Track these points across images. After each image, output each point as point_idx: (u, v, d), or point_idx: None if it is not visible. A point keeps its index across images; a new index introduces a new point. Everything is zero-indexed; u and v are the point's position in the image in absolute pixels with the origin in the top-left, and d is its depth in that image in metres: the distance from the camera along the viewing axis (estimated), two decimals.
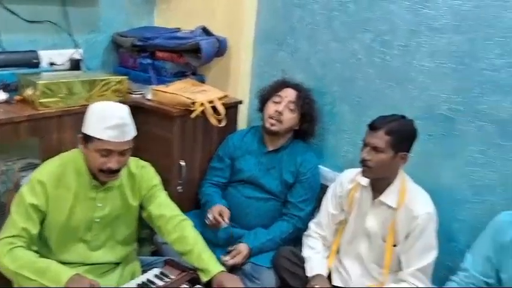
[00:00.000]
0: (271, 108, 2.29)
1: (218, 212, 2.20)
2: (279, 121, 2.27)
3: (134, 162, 1.89)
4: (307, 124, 2.33)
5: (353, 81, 2.37)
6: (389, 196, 1.94)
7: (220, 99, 2.46)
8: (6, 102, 2.11)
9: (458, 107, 2.08)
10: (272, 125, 2.28)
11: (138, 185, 1.88)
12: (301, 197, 2.29)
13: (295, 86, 2.33)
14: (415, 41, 2.16)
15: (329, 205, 2.13)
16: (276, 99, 2.29)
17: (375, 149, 1.87)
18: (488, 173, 2.05)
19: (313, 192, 2.31)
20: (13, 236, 1.67)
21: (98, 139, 1.66)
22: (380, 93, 2.29)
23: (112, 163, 1.69)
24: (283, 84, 2.34)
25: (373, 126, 1.90)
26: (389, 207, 1.94)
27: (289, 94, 2.30)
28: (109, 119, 1.66)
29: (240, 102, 2.63)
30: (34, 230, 1.71)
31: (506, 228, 1.71)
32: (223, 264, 1.94)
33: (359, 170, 2.03)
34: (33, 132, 2.05)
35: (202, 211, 2.35)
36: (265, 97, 2.37)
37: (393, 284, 1.93)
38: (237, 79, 2.70)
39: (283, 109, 2.27)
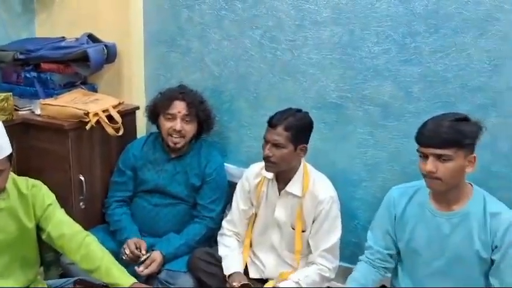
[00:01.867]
0: (167, 125, 2.24)
1: (134, 245, 2.13)
2: (182, 137, 2.24)
3: (23, 182, 1.78)
4: (205, 125, 2.33)
5: (248, 77, 2.43)
6: (293, 186, 2.03)
7: (115, 107, 2.38)
8: None
9: (346, 94, 2.23)
10: (175, 143, 2.24)
11: (32, 205, 1.77)
12: (210, 198, 2.30)
13: (182, 97, 2.26)
14: (301, 35, 2.26)
15: (238, 201, 2.16)
16: (168, 116, 2.24)
17: (276, 145, 1.93)
18: (377, 152, 2.23)
19: (222, 191, 2.33)
20: None
21: None
22: (274, 87, 2.37)
23: None
24: (169, 99, 2.26)
25: (272, 123, 1.96)
26: (295, 196, 2.02)
27: (180, 108, 2.23)
28: None
29: (137, 108, 2.57)
30: None
31: (397, 202, 1.86)
32: (137, 275, 1.89)
33: (264, 163, 2.09)
34: None
35: (111, 229, 2.30)
36: (154, 113, 2.32)
37: (300, 271, 2.01)
38: (131, 84, 2.62)
39: (181, 125, 2.22)
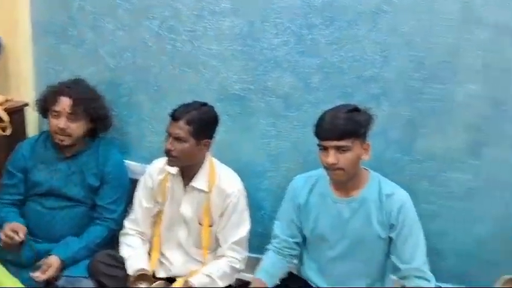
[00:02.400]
0: (53, 123, 2.10)
1: (10, 229, 1.97)
2: (67, 135, 2.10)
3: None
4: (98, 121, 2.20)
5: (147, 69, 2.33)
6: (199, 181, 1.99)
7: (1, 104, 2.18)
8: None
9: (249, 86, 2.23)
10: (61, 140, 2.10)
11: None
12: (111, 198, 2.18)
13: (68, 92, 2.11)
14: (201, 25, 2.22)
15: (141, 199, 2.08)
16: (54, 113, 2.09)
17: (178, 139, 1.88)
18: (280, 143, 2.26)
19: (123, 190, 2.22)
20: None
21: None
22: (175, 79, 2.31)
23: None
24: (55, 94, 2.11)
25: (174, 117, 1.91)
26: (201, 191, 1.99)
27: (65, 105, 2.09)
28: None
29: (26, 104, 2.37)
30: None
31: (300, 191, 1.92)
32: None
33: (167, 159, 2.03)
34: None
35: None
36: (43, 109, 2.16)
37: (211, 264, 2.00)
38: (19, 80, 2.42)
39: (65, 123, 2.09)
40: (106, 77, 2.36)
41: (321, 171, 1.86)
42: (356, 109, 1.76)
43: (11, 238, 1.95)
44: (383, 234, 1.81)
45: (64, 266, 2.01)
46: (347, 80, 2.12)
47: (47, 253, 2.04)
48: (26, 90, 2.43)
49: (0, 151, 2.24)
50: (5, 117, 2.15)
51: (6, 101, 2.25)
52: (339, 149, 1.70)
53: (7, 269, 1.92)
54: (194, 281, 1.90)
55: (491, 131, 2.07)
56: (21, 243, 1.99)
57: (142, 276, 1.90)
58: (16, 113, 2.30)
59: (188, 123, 1.89)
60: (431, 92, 2.07)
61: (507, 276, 1.59)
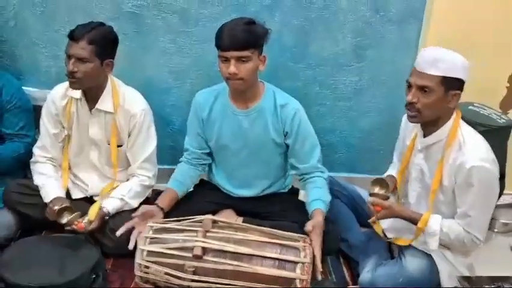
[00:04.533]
0: None
1: None
2: None
3: None
4: None
5: None
6: (104, 103, 2.01)
7: None
8: None
9: (142, 3, 2.19)
10: None
11: None
12: (18, 124, 2.15)
13: None
14: None
15: (47, 126, 2.08)
16: None
17: (80, 59, 1.86)
18: (182, 59, 2.31)
19: (29, 116, 2.19)
20: None
21: None
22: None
23: None
24: None
25: (74, 37, 1.86)
26: (107, 112, 2.02)
27: None
28: None
29: None
30: None
31: (202, 106, 2.03)
32: None
33: (68, 83, 2.01)
34: None
35: None
36: None
37: (122, 186, 2.08)
38: None
39: None
40: None
41: (222, 85, 1.96)
42: (253, 22, 1.84)
43: None
44: (279, 140, 2.00)
45: None
46: None
47: None
48: None
49: None
50: None
51: None
52: (239, 59, 1.79)
53: None
54: (108, 206, 1.98)
55: (373, 35, 2.27)
56: None
57: (64, 209, 1.92)
58: None
59: (91, 42, 1.86)
60: (318, 0, 2.19)
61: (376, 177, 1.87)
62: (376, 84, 2.38)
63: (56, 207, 1.89)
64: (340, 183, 2.14)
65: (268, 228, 1.78)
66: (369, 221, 1.84)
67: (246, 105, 1.97)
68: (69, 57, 1.88)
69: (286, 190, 2.18)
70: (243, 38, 1.78)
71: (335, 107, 2.41)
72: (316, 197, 1.92)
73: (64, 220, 1.88)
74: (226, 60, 1.81)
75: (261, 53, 1.86)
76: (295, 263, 1.66)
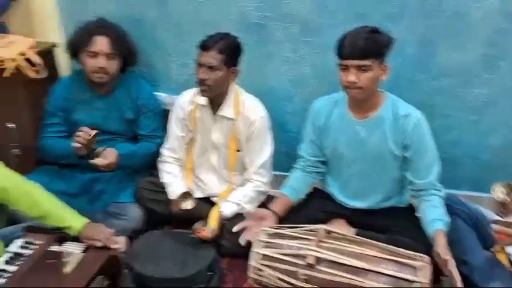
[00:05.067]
0: (90, 63, 2.18)
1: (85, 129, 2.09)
2: (106, 73, 2.20)
3: None
4: (128, 59, 2.30)
5: (166, 3, 2.38)
6: (226, 109, 2.12)
7: (31, 48, 2.28)
8: None
9: (267, 14, 2.26)
10: (100, 78, 2.20)
11: None
12: (150, 127, 2.34)
13: (104, 31, 2.19)
14: None
15: (175, 129, 2.24)
16: (90, 53, 2.17)
17: (211, 68, 1.99)
18: (302, 68, 2.33)
19: (159, 119, 2.38)
20: None
21: None
22: (195, 12, 2.35)
23: None
24: (89, 34, 2.18)
25: (205, 46, 2.00)
26: (229, 119, 2.13)
27: (103, 45, 2.17)
28: None
29: (54, 45, 2.47)
30: None
31: (319, 114, 2.03)
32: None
33: (194, 90, 2.16)
34: None
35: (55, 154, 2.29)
36: (74, 49, 2.24)
37: (238, 192, 2.18)
38: (44, 21, 2.48)
39: (105, 62, 2.17)
40: (127, 13, 2.41)
41: (341, 94, 1.95)
42: (376, 30, 1.81)
43: (87, 134, 2.05)
44: (398, 152, 1.92)
45: (119, 160, 2.15)
46: (362, 1, 2.14)
47: (95, 181, 2.26)
48: (53, 31, 2.51)
49: (39, 92, 2.35)
50: (38, 60, 2.26)
51: (36, 44, 2.33)
52: (360, 68, 1.77)
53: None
54: (226, 211, 2.09)
55: (506, 45, 2.10)
56: (89, 146, 2.09)
57: (185, 195, 2.07)
58: (47, 55, 2.40)
59: (221, 51, 1.98)
60: (447, 8, 2.08)
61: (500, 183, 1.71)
62: (508, 97, 2.19)
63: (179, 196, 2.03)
64: (462, 201, 1.99)
65: (384, 244, 1.73)
66: (492, 249, 1.70)
67: (364, 115, 1.94)
68: (200, 65, 2.01)
69: (403, 205, 2.09)
70: (363, 46, 1.75)
71: (461, 120, 2.27)
72: (436, 217, 1.82)
73: (184, 206, 2.02)
74: (346, 68, 1.80)
75: (382, 63, 1.82)
76: (412, 282, 1.59)
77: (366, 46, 1.75)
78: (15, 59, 2.17)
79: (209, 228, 1.98)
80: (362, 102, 1.89)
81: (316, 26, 2.23)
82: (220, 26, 2.24)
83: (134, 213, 2.20)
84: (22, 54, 2.21)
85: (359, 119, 1.94)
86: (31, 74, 2.24)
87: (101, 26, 2.22)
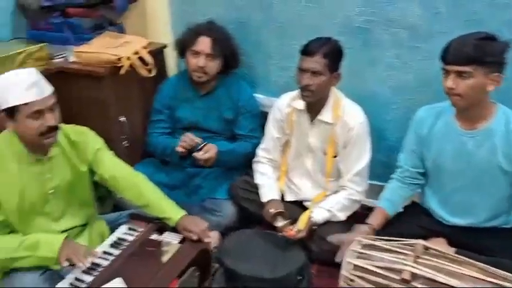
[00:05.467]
0: (192, 61, 2.30)
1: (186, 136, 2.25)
2: (205, 73, 2.30)
3: (72, 130, 1.90)
4: (229, 60, 2.37)
5: (271, 6, 2.41)
6: (325, 114, 2.10)
7: (144, 48, 2.44)
8: None
9: (373, 18, 2.21)
10: (199, 77, 2.31)
11: (83, 151, 1.90)
12: (248, 127, 2.40)
13: (208, 32, 2.29)
14: None
15: (272, 130, 2.26)
16: (193, 52, 2.28)
17: (315, 73, 1.98)
18: (405, 75, 2.25)
19: (257, 121, 2.43)
20: None
21: (24, 104, 1.65)
22: (299, 15, 2.36)
23: (49, 121, 1.69)
24: (195, 34, 2.30)
25: (309, 52, 1.99)
26: (327, 123, 2.11)
27: (205, 45, 2.27)
28: (23, 81, 1.64)
29: (165, 46, 2.61)
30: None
31: (423, 123, 1.94)
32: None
33: (293, 94, 2.17)
34: None
35: (158, 151, 2.44)
36: (181, 48, 2.37)
37: (331, 198, 2.15)
38: (157, 22, 2.65)
39: (205, 62, 2.27)
40: (235, 16, 2.49)
41: (447, 104, 1.85)
42: (489, 37, 1.70)
43: (192, 140, 2.22)
44: (508, 167, 1.79)
45: (218, 157, 2.25)
46: (478, 7, 2.01)
47: (195, 176, 2.37)
48: (164, 32, 2.66)
49: (148, 89, 2.52)
50: (150, 59, 2.41)
51: (149, 44, 2.49)
52: (459, 74, 1.69)
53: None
54: (317, 216, 2.07)
55: None
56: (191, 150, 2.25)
57: (279, 214, 2.08)
58: (157, 55, 2.54)
59: (324, 56, 1.97)
60: None
61: None
62: None
63: (272, 211, 2.06)
64: None
65: (485, 265, 1.61)
66: None
67: (472, 125, 1.82)
68: (303, 71, 2.00)
69: (509, 226, 1.93)
70: (466, 52, 1.66)
71: None
72: None
73: (277, 224, 2.04)
74: (447, 73, 1.72)
75: (492, 72, 1.69)
76: None
77: (468, 53, 1.66)
78: (130, 58, 2.32)
79: (296, 228, 1.98)
80: (468, 111, 1.79)
81: (425, 32, 2.13)
82: (324, 29, 2.22)
83: (228, 211, 2.27)
84: (136, 53, 2.37)
85: (467, 129, 1.83)
86: (143, 72, 2.39)
87: (207, 27, 2.31)
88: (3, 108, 1.67)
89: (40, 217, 1.86)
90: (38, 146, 1.76)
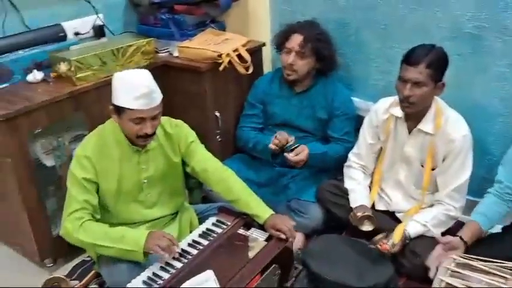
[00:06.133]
0: (283, 58, 2.31)
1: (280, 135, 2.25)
2: (293, 71, 2.30)
3: (167, 122, 1.97)
4: (325, 61, 2.34)
5: (376, 8, 2.35)
6: (426, 124, 1.99)
7: (244, 45, 2.48)
8: (44, 81, 2.20)
9: (483, 24, 2.07)
10: (288, 75, 2.32)
11: (177, 143, 1.97)
12: (343, 130, 2.36)
13: (301, 30, 2.28)
14: None
15: (366, 135, 2.20)
16: (286, 49, 2.30)
17: (417, 84, 1.87)
18: None
19: (352, 124, 2.38)
20: (78, 210, 1.81)
21: (130, 109, 1.73)
22: (404, 17, 2.28)
23: (147, 129, 1.78)
24: (289, 31, 2.31)
25: (412, 61, 1.87)
26: (427, 133, 2.00)
27: (295, 42, 2.27)
28: (136, 89, 1.72)
29: (263, 44, 2.65)
30: (94, 200, 1.85)
31: None
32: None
33: (392, 99, 2.08)
34: (76, 108, 2.16)
35: (249, 146, 2.46)
36: (277, 46, 2.38)
37: (427, 212, 2.04)
38: (257, 21, 2.69)
39: (294, 59, 2.27)
40: (335, 16, 2.46)
41: None
42: None
43: (285, 139, 2.21)
44: None
45: (309, 159, 2.22)
46: None
47: (283, 175, 2.37)
48: (263, 31, 2.70)
49: (243, 86, 2.57)
50: (248, 57, 2.45)
51: (248, 42, 2.54)
52: None
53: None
54: (410, 230, 1.97)
55: None
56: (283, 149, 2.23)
57: (366, 217, 2.02)
58: (255, 53, 2.58)
59: (428, 66, 1.85)
60: None
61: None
62: None
63: (359, 214, 2.01)
64: None
65: None
66: None
67: None
68: (405, 81, 1.89)
69: None
70: None
71: None
72: None
73: (364, 228, 1.98)
74: None
75: None
76: None
77: None
78: (229, 55, 2.38)
79: (391, 242, 1.91)
80: None
81: None
82: (430, 34, 2.13)
83: (315, 213, 2.25)
84: (236, 50, 2.42)
85: None
86: (241, 70, 2.44)
87: (302, 26, 2.31)
88: (113, 102, 1.78)
89: (135, 204, 1.96)
90: (134, 142, 1.86)
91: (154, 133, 1.83)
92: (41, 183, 2.14)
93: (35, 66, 2.24)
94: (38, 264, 2.26)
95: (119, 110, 1.77)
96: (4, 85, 2.17)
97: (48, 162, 2.20)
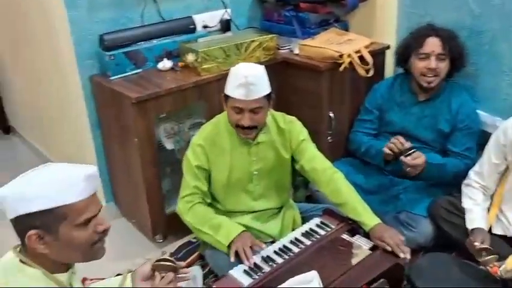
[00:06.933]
0: (420, 65, 2.19)
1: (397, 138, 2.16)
2: (436, 75, 2.18)
3: (281, 118, 2.00)
4: (457, 63, 2.22)
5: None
6: None
7: (366, 47, 2.43)
8: (172, 69, 2.35)
9: None
10: (429, 82, 2.20)
11: (288, 139, 1.99)
12: (464, 145, 2.22)
13: (436, 33, 2.18)
14: None
15: (491, 154, 2.03)
16: (422, 55, 2.18)
17: None
18: None
19: (474, 139, 2.23)
20: (189, 195, 1.94)
21: (231, 97, 1.82)
22: None
23: (243, 120, 1.83)
24: (422, 36, 2.20)
25: None
26: None
27: (435, 46, 2.16)
28: (237, 79, 1.79)
29: (388, 47, 2.56)
30: (204, 187, 1.96)
31: None
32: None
33: None
34: (199, 97, 2.27)
35: (362, 150, 2.41)
36: (405, 54, 2.27)
37: None
38: (383, 23, 2.61)
39: (436, 63, 2.16)
40: (468, 23, 2.30)
41: None
42: None
43: (401, 143, 2.11)
44: None
45: (425, 167, 2.11)
46: None
47: (391, 184, 2.30)
48: (388, 33, 2.61)
49: (360, 89, 2.51)
50: (370, 59, 2.39)
51: (371, 44, 2.48)
52: None
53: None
54: None
55: None
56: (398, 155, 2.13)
57: (484, 249, 1.81)
58: (377, 56, 2.51)
59: None
60: None
61: None
62: None
63: (477, 245, 1.84)
64: None
65: None
66: None
67: None
68: None
69: None
70: None
71: None
72: None
73: (480, 259, 1.83)
74: None
75: None
76: None
77: None
78: (350, 55, 2.34)
79: (504, 267, 1.76)
80: None
81: None
82: None
83: (425, 229, 2.14)
84: (358, 52, 2.37)
85: None
86: (361, 72, 2.38)
87: (433, 28, 2.21)
88: (224, 91, 1.87)
89: (243, 194, 2.02)
90: (237, 132, 1.91)
91: (254, 127, 1.87)
92: (161, 164, 2.29)
93: (165, 54, 2.40)
94: (149, 239, 2.43)
95: (226, 98, 1.86)
96: (139, 70, 2.35)
97: (169, 145, 2.36)
